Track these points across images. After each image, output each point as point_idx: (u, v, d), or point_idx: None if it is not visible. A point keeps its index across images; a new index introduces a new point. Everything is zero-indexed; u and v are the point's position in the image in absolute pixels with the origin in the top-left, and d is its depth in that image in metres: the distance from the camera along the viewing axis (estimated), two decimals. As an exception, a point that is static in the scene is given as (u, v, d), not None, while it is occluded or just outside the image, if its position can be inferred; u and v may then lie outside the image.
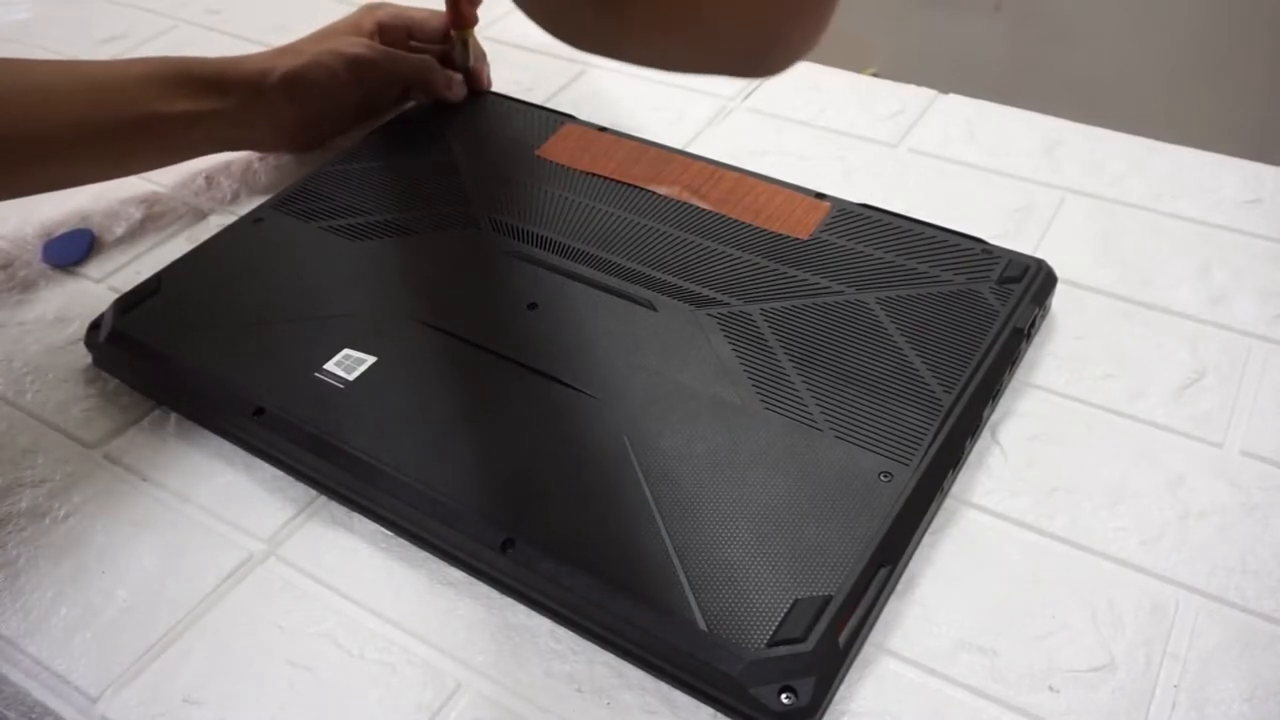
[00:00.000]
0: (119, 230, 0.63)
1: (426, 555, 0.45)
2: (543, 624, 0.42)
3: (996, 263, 0.53)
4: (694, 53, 0.30)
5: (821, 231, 0.55)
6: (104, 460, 0.50)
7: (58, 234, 0.62)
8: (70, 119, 0.55)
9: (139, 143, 0.58)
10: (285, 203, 0.59)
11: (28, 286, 0.59)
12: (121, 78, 0.57)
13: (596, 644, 0.41)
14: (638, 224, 0.56)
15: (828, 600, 0.39)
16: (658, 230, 0.56)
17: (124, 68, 0.58)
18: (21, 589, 0.44)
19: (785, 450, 0.44)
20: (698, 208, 0.57)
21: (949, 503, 0.46)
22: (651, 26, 0.29)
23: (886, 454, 0.44)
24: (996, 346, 0.49)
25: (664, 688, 0.40)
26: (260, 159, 0.67)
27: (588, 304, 0.52)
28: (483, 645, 0.42)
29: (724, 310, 0.51)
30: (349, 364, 0.49)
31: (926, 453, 0.44)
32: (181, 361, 0.50)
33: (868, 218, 0.56)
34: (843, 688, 0.40)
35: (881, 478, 0.43)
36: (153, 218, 0.64)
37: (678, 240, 0.55)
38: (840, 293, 0.52)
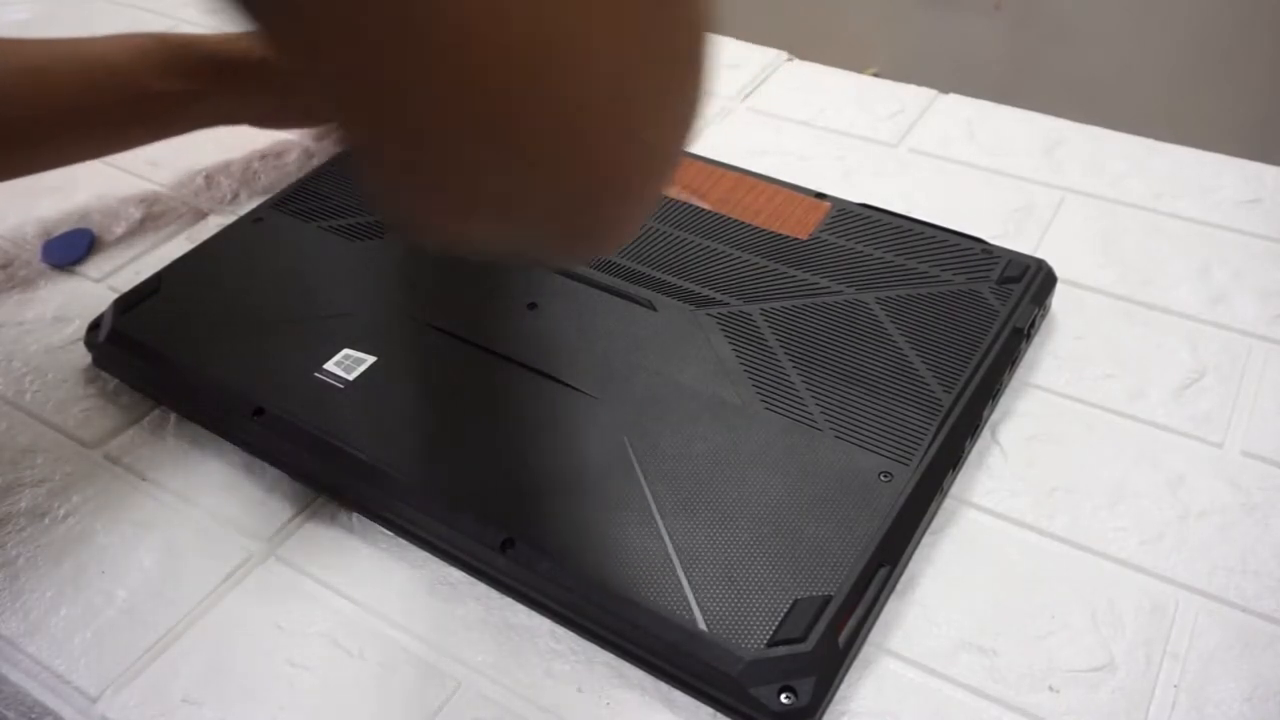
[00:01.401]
0: (119, 230, 0.63)
1: (426, 555, 0.45)
2: (543, 624, 0.42)
3: (996, 263, 0.53)
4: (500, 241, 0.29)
5: (821, 231, 0.55)
6: (104, 460, 0.50)
7: (57, 233, 0.62)
8: (65, 101, 0.55)
9: (134, 121, 0.58)
10: (285, 203, 0.59)
11: (28, 286, 0.59)
12: (115, 57, 0.57)
13: (596, 644, 0.41)
14: (638, 224, 0.56)
15: (827, 600, 0.39)
16: (658, 230, 0.56)
17: (119, 45, 0.57)
18: (21, 589, 0.44)
19: (785, 450, 0.44)
20: (698, 208, 0.57)
21: (949, 503, 0.46)
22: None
23: (886, 454, 0.44)
24: (996, 346, 0.49)
25: (664, 688, 0.40)
26: (261, 158, 0.67)
27: (588, 304, 0.52)
28: (483, 645, 0.42)
29: (724, 310, 0.51)
30: (349, 364, 0.49)
31: (926, 453, 0.44)
32: (181, 361, 0.50)
33: (868, 218, 0.56)
34: (843, 688, 0.40)
35: (881, 478, 0.43)
36: (152, 218, 0.64)
37: (678, 240, 0.55)
38: (840, 293, 0.52)
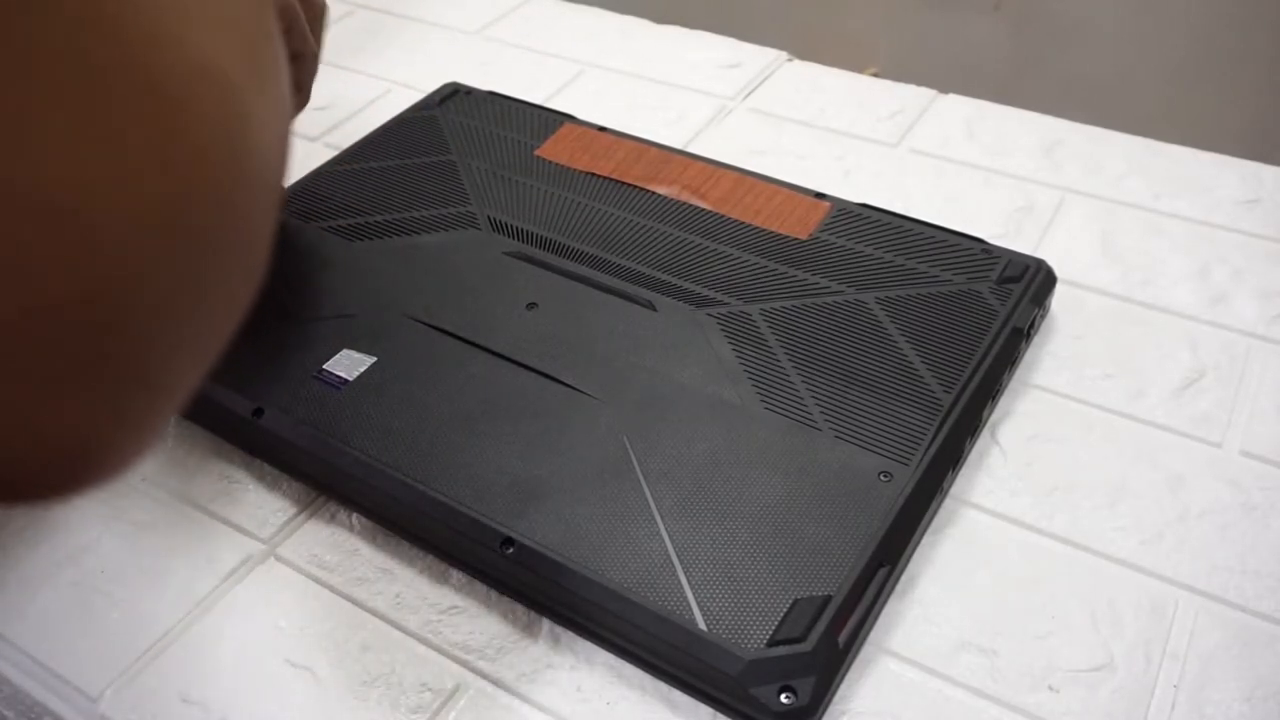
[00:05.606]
0: (119, 230, 0.63)
1: (426, 555, 0.45)
2: (543, 624, 0.42)
3: (996, 263, 0.53)
4: None
5: (821, 231, 0.55)
6: (104, 460, 0.50)
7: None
8: None
9: None
10: (285, 203, 0.59)
11: (28, 286, 0.59)
12: None
13: (596, 644, 0.41)
14: (638, 224, 0.56)
15: (827, 600, 0.39)
16: (658, 230, 0.56)
17: None
18: (21, 589, 0.44)
19: (785, 450, 0.44)
20: (698, 208, 0.57)
21: (949, 503, 0.46)
22: None
23: (886, 454, 0.44)
24: (996, 346, 0.49)
25: (664, 688, 0.40)
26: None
27: (588, 304, 0.52)
28: (483, 645, 0.42)
29: (724, 310, 0.51)
30: (349, 364, 0.49)
31: (926, 453, 0.44)
32: (181, 361, 0.50)
33: (868, 218, 0.56)
34: (842, 688, 0.40)
35: (881, 478, 0.43)
36: (153, 218, 0.64)
37: (678, 240, 0.55)
38: (840, 293, 0.52)
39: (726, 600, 0.39)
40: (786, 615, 0.38)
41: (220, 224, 0.20)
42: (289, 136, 0.24)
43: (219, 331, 0.23)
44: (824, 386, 0.47)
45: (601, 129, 0.64)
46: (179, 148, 0.19)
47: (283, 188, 0.24)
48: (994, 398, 0.49)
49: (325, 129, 0.71)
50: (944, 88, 0.71)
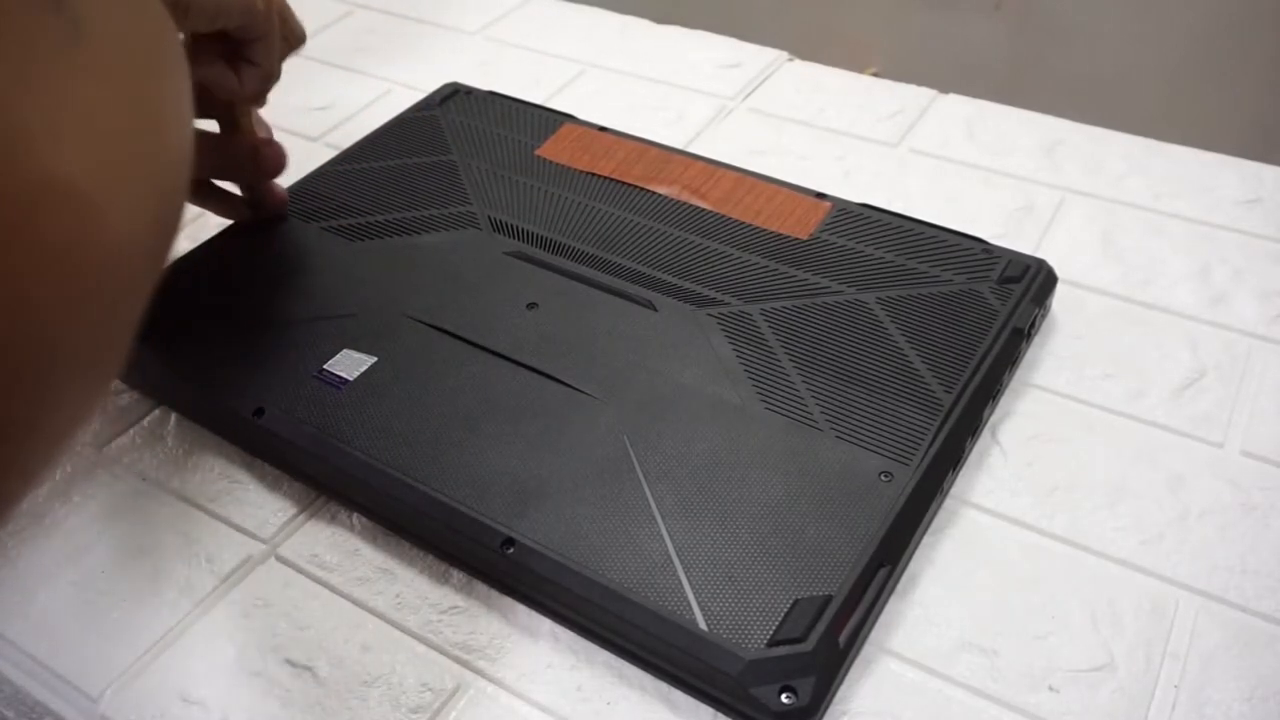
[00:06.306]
0: (119, 230, 0.63)
1: (426, 555, 0.45)
2: (543, 624, 0.42)
3: (996, 263, 0.53)
4: None
5: (821, 231, 0.55)
6: (104, 460, 0.50)
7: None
8: None
9: None
10: (285, 203, 0.59)
11: (28, 286, 0.59)
12: None
13: (596, 644, 0.41)
14: (638, 224, 0.56)
15: (828, 600, 0.39)
16: (658, 230, 0.56)
17: None
18: (21, 589, 0.44)
19: (785, 450, 0.44)
20: (698, 208, 0.57)
21: (949, 503, 0.46)
22: None
23: (886, 454, 0.44)
24: (996, 346, 0.49)
25: (664, 687, 0.40)
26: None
27: (588, 304, 0.52)
28: (483, 645, 0.42)
29: (724, 310, 0.51)
30: (349, 364, 0.49)
31: (926, 453, 0.44)
32: (181, 361, 0.50)
33: (868, 218, 0.56)
34: (843, 688, 0.40)
35: (881, 478, 0.43)
36: (153, 218, 0.64)
37: (678, 240, 0.55)
38: (840, 293, 0.52)
39: (727, 600, 0.39)
40: (787, 615, 0.38)
41: (54, 345, 0.20)
42: (174, 218, 0.24)
43: (56, 438, 0.22)
44: (824, 386, 0.47)
45: (602, 129, 0.64)
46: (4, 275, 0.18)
47: (155, 277, 0.23)
48: (994, 398, 0.49)
49: (325, 129, 0.71)
50: (944, 88, 0.71)
